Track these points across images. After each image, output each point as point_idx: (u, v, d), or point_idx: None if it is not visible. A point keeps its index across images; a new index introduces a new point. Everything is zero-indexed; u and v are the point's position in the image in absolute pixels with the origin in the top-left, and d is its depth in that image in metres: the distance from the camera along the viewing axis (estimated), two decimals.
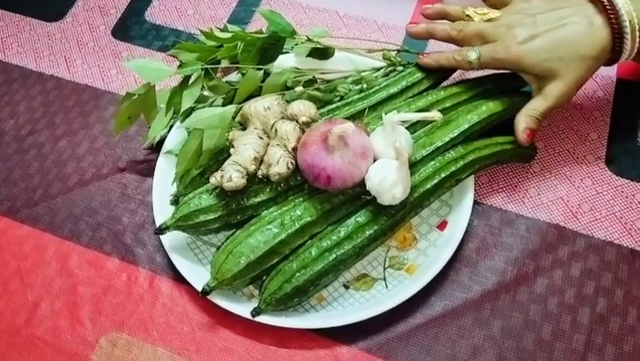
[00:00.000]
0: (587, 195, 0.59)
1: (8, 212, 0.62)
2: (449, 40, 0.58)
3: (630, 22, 0.51)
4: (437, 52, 0.58)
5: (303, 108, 0.54)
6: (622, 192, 0.59)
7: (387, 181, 0.50)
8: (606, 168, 0.60)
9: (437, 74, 0.60)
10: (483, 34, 0.55)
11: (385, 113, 0.54)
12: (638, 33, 0.51)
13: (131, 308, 0.56)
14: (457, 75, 0.63)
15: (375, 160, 0.52)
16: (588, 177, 0.60)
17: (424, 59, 0.58)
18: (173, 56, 0.67)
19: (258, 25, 0.71)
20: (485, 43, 0.55)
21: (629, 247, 0.56)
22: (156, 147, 0.62)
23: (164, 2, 0.75)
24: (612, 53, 0.53)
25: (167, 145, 0.61)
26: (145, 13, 0.75)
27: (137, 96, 0.58)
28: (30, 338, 0.55)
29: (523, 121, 0.54)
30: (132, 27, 0.74)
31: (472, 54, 0.55)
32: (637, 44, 0.52)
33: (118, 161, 0.64)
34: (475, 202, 0.58)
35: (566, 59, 0.52)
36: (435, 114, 0.52)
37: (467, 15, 0.57)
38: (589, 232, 0.57)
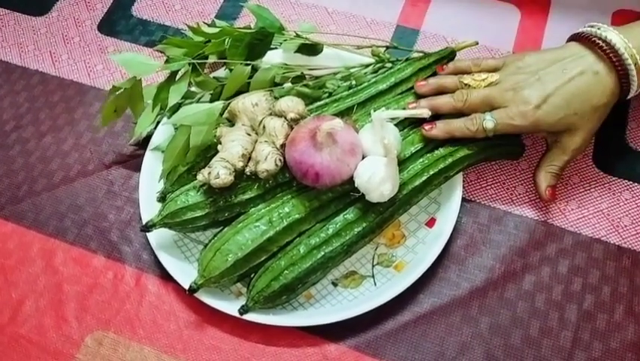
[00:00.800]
0: (575, 192, 0.59)
1: None
2: (455, 112, 0.55)
3: (632, 59, 0.51)
4: (445, 121, 0.55)
5: (292, 105, 0.54)
6: (609, 189, 0.59)
7: (376, 178, 0.50)
8: (594, 166, 0.60)
9: (426, 71, 0.60)
10: (489, 100, 0.54)
11: (374, 110, 0.53)
12: None
13: (117, 306, 0.55)
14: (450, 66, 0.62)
15: (363, 157, 0.52)
16: (576, 174, 0.60)
17: (432, 131, 0.54)
18: (160, 52, 0.67)
19: (246, 20, 0.71)
20: (493, 108, 0.54)
21: (616, 244, 0.56)
22: (143, 143, 0.62)
23: None
24: (620, 94, 0.54)
25: (154, 141, 0.61)
26: (132, 8, 0.74)
27: (123, 89, 0.58)
28: (14, 336, 0.54)
29: (545, 179, 0.55)
30: (118, 22, 0.73)
31: (489, 124, 0.53)
32: None
33: (104, 157, 0.63)
34: (464, 199, 0.58)
35: (580, 112, 0.52)
36: (423, 111, 0.51)
37: (465, 84, 0.55)
38: (576, 229, 0.57)
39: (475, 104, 0.54)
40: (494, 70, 0.56)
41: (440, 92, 0.56)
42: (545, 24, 0.70)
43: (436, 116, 0.56)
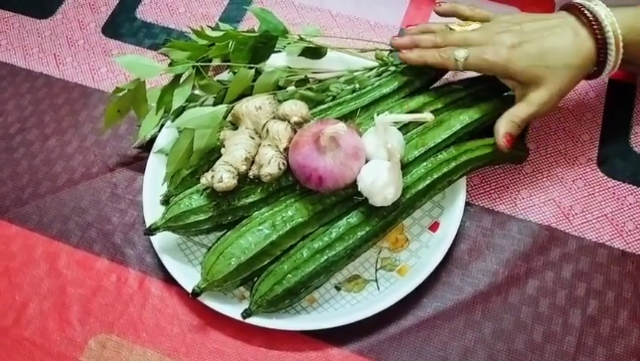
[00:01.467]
0: (579, 196, 0.59)
1: None
2: (434, 47, 0.57)
3: (614, 34, 0.52)
4: (422, 48, 0.57)
5: (295, 108, 0.54)
6: (613, 193, 0.59)
7: (379, 182, 0.50)
8: (598, 170, 0.60)
9: (429, 75, 0.60)
10: (469, 40, 0.55)
11: (377, 114, 0.53)
12: (621, 44, 0.52)
13: (121, 309, 0.55)
14: (449, 76, 0.62)
15: (367, 161, 0.52)
16: (580, 178, 0.60)
17: (408, 54, 0.57)
18: (164, 54, 0.67)
19: (250, 23, 0.71)
20: (469, 46, 0.55)
21: (621, 248, 0.56)
22: (147, 146, 0.62)
23: (155, 0, 0.75)
24: (597, 64, 0.53)
25: (158, 144, 0.61)
26: (136, 11, 0.74)
27: (126, 91, 0.58)
28: (18, 338, 0.54)
29: (504, 126, 0.54)
30: (123, 25, 0.73)
31: (460, 53, 0.54)
32: (620, 56, 0.52)
33: (108, 160, 0.63)
34: (467, 203, 0.58)
35: (552, 66, 0.52)
36: (427, 115, 0.51)
37: (451, 29, 0.57)
38: (580, 234, 0.57)
39: (454, 42, 0.55)
40: (484, 21, 0.58)
41: (425, 33, 0.59)
42: None
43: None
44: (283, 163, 0.52)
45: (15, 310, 0.56)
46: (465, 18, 0.59)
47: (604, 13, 0.52)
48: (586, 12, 0.53)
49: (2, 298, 0.56)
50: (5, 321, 0.55)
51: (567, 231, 0.57)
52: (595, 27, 0.52)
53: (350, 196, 0.53)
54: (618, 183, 0.59)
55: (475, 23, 0.57)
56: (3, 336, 0.54)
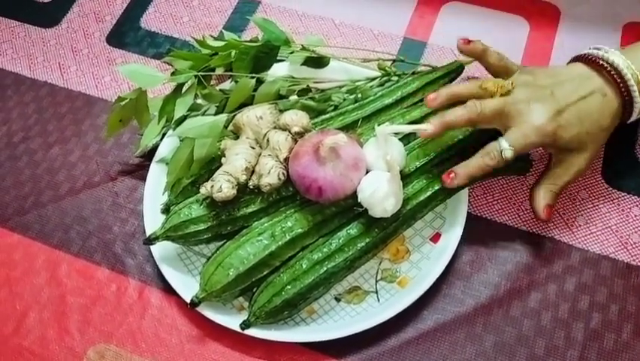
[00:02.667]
0: (583, 208, 0.58)
1: None
2: (469, 125, 0.53)
3: (637, 82, 0.51)
4: (463, 165, 0.52)
5: (296, 118, 0.54)
6: (618, 205, 0.58)
7: (379, 193, 0.49)
8: (603, 181, 0.59)
9: (433, 86, 0.60)
10: (503, 113, 0.52)
11: (379, 124, 0.53)
12: None
13: (120, 319, 0.55)
14: (458, 81, 0.62)
15: (367, 171, 0.52)
16: (584, 189, 0.59)
17: (454, 181, 0.52)
18: (168, 63, 0.67)
19: (253, 32, 0.71)
20: (506, 122, 0.52)
21: (625, 261, 0.55)
22: (149, 155, 0.62)
23: (160, 9, 0.75)
24: (622, 117, 0.54)
25: (160, 153, 0.61)
26: (140, 20, 0.74)
27: (128, 100, 0.58)
28: (17, 348, 0.54)
29: (544, 197, 0.53)
30: (127, 34, 0.73)
31: (508, 153, 0.50)
32: None
33: (110, 169, 0.63)
34: (470, 215, 0.57)
35: (591, 132, 0.52)
36: (427, 126, 0.51)
37: (483, 87, 0.53)
38: (584, 246, 0.56)
39: (488, 116, 0.52)
40: (508, 74, 0.56)
41: (454, 102, 0.54)
42: (554, 36, 0.69)
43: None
44: (283, 173, 0.51)
45: (15, 320, 0.56)
46: (488, 65, 0.57)
47: (623, 64, 0.51)
48: (605, 65, 0.52)
49: (2, 306, 0.56)
50: (5, 330, 0.55)
51: (570, 243, 0.56)
52: (621, 85, 0.52)
53: (350, 207, 0.53)
54: (623, 194, 0.58)
55: (504, 80, 0.54)
56: (2, 345, 0.55)
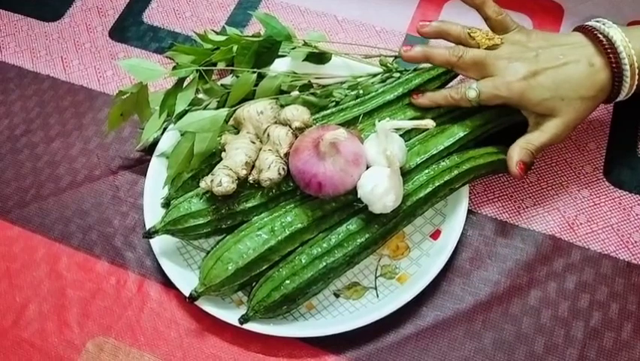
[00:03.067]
0: (584, 206, 0.58)
1: None
2: (447, 65, 0.55)
3: (630, 64, 0.51)
4: (431, 91, 0.56)
5: (297, 113, 0.54)
6: (619, 203, 0.58)
7: (379, 189, 0.49)
8: (604, 179, 0.59)
9: (435, 82, 0.60)
10: (482, 64, 0.53)
11: (379, 120, 0.53)
12: (637, 75, 0.51)
13: (119, 312, 0.55)
14: (454, 83, 0.62)
15: (368, 167, 0.52)
16: (585, 188, 0.59)
17: (419, 99, 0.56)
18: (170, 58, 0.67)
19: (255, 28, 0.71)
20: (483, 74, 0.53)
21: (626, 260, 0.55)
22: (149, 149, 0.62)
23: (162, 4, 0.75)
24: (610, 93, 0.53)
25: (161, 147, 0.61)
26: (143, 15, 0.74)
27: (129, 94, 0.58)
28: (17, 340, 0.54)
29: (517, 153, 0.53)
30: (129, 28, 0.73)
31: (472, 92, 0.53)
32: (635, 86, 0.52)
33: (111, 163, 0.63)
34: (470, 212, 0.57)
35: (567, 98, 0.52)
36: (428, 122, 0.51)
37: (471, 35, 0.54)
38: (585, 244, 0.56)
39: (467, 63, 0.54)
40: (503, 31, 0.55)
41: (441, 37, 0.57)
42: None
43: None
44: (283, 168, 0.51)
45: (15, 312, 0.56)
46: (486, 16, 0.56)
47: (619, 38, 0.51)
48: (601, 38, 0.51)
49: (2, 299, 0.56)
50: (5, 322, 0.55)
51: (571, 241, 0.56)
52: (611, 56, 0.51)
53: (350, 203, 0.52)
54: (625, 193, 0.58)
55: (494, 33, 0.55)
56: (2, 337, 0.55)
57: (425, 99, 0.56)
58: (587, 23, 0.54)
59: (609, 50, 0.51)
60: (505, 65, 0.52)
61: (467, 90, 0.53)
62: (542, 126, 0.53)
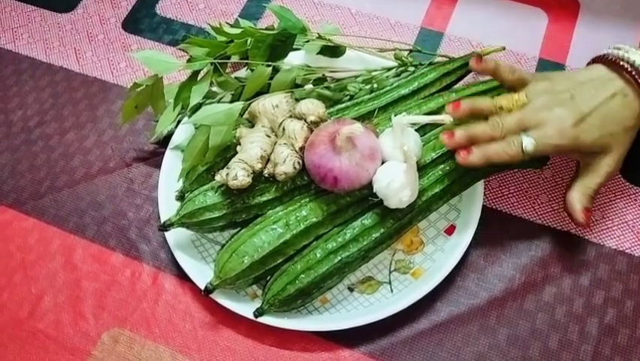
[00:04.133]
0: (600, 203, 0.58)
1: (14, 204, 0.62)
2: (492, 140, 0.52)
3: None
4: (481, 146, 0.51)
5: (312, 107, 0.54)
6: (635, 200, 0.57)
7: (395, 184, 0.49)
8: (620, 177, 0.59)
9: (450, 77, 0.59)
10: (525, 123, 0.52)
11: (395, 115, 0.53)
12: None
13: (134, 304, 0.55)
14: (469, 78, 0.61)
15: (383, 162, 0.51)
16: None
17: (470, 158, 0.51)
18: (183, 50, 0.67)
19: (269, 20, 0.71)
20: (527, 129, 0.52)
21: None
22: (164, 142, 0.62)
23: None
24: None
25: (175, 140, 0.61)
26: (156, 7, 0.74)
27: (144, 87, 0.58)
28: (32, 331, 0.55)
29: (580, 201, 0.52)
30: (143, 20, 0.73)
31: (530, 146, 0.50)
32: None
33: (125, 155, 0.64)
34: (485, 207, 0.57)
35: (614, 133, 0.52)
36: (445, 117, 0.51)
37: (499, 107, 0.53)
38: (600, 241, 0.56)
39: (511, 129, 0.52)
40: (521, 86, 0.54)
41: (474, 115, 0.54)
42: (574, 29, 0.68)
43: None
44: (298, 162, 0.51)
45: (30, 303, 0.56)
46: (502, 80, 0.55)
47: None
48: (626, 66, 0.51)
49: (18, 290, 0.57)
50: (21, 313, 0.56)
51: (586, 237, 0.56)
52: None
53: (365, 197, 0.52)
54: None
55: (518, 94, 0.53)
56: (18, 328, 0.55)
57: (476, 158, 0.51)
58: (605, 53, 0.54)
59: (637, 78, 0.51)
60: (548, 115, 0.51)
61: (524, 145, 0.51)
62: (593, 166, 0.53)
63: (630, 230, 0.56)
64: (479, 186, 0.56)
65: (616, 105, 0.51)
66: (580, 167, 0.54)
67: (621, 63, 0.52)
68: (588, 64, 0.56)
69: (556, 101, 0.52)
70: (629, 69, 0.51)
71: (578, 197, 0.53)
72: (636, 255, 0.55)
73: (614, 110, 0.51)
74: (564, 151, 0.53)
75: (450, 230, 0.56)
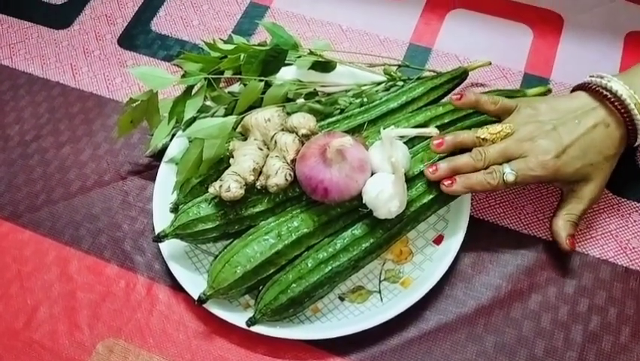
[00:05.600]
0: None
1: (10, 216, 0.63)
2: (475, 171, 0.54)
3: (637, 106, 0.53)
4: (465, 176, 0.53)
5: (303, 121, 0.55)
6: (618, 210, 0.59)
7: (384, 195, 0.51)
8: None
9: (437, 91, 0.61)
10: (507, 154, 0.53)
11: (384, 128, 0.54)
12: None
13: (129, 315, 0.56)
14: (459, 89, 0.63)
15: (373, 174, 0.53)
16: None
17: (453, 187, 0.53)
18: (178, 66, 0.69)
19: (262, 36, 0.72)
20: (510, 159, 0.53)
21: (624, 265, 0.56)
22: (158, 155, 0.63)
23: (170, 12, 0.76)
24: (628, 143, 0.55)
25: (169, 153, 0.62)
26: (151, 23, 0.76)
27: (139, 102, 0.59)
28: (28, 341, 0.56)
29: (564, 229, 0.55)
30: (138, 36, 0.75)
31: (510, 177, 0.52)
32: None
33: (120, 168, 0.65)
34: (472, 218, 0.58)
35: (595, 162, 0.54)
36: (432, 130, 0.52)
37: (482, 138, 0.54)
38: (584, 250, 0.57)
39: (493, 160, 0.54)
40: (507, 114, 0.56)
41: (457, 149, 0.55)
42: (558, 44, 0.70)
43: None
44: (290, 174, 0.53)
45: (26, 314, 0.57)
46: (484, 112, 0.57)
47: (623, 91, 0.53)
48: (610, 97, 0.53)
49: (14, 301, 0.58)
50: (16, 324, 0.56)
51: None
52: (622, 112, 0.53)
53: (355, 208, 0.54)
54: (624, 200, 0.60)
55: (500, 125, 0.55)
56: (14, 339, 0.56)
57: (459, 187, 0.53)
58: (588, 81, 0.56)
59: (620, 108, 0.53)
60: (531, 146, 0.53)
61: (505, 176, 0.52)
62: (577, 193, 0.55)
63: (614, 240, 0.57)
64: (466, 197, 0.57)
65: (598, 135, 0.53)
66: (563, 193, 0.56)
67: (604, 93, 0.54)
68: (572, 91, 0.58)
69: (539, 132, 0.53)
70: (612, 99, 0.53)
71: (562, 224, 0.55)
72: (619, 264, 0.56)
73: (596, 140, 0.53)
74: (545, 181, 0.55)
75: (438, 240, 0.57)
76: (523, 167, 0.53)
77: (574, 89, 0.58)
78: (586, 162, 0.53)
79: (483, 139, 0.54)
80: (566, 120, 0.54)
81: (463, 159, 0.54)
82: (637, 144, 0.56)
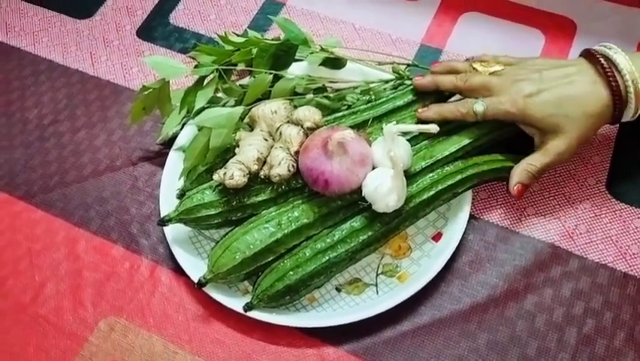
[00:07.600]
0: (585, 217, 0.59)
1: (25, 196, 0.65)
2: (455, 90, 0.58)
3: (634, 82, 0.52)
4: (439, 104, 0.58)
5: (309, 114, 0.56)
6: (620, 216, 0.59)
7: (382, 189, 0.51)
8: (606, 192, 0.60)
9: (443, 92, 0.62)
10: (488, 86, 0.55)
11: (387, 124, 0.55)
12: None
13: (131, 295, 0.58)
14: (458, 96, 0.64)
15: (374, 168, 0.54)
16: (587, 199, 0.60)
17: (425, 112, 0.57)
18: (192, 58, 0.70)
19: (276, 32, 0.74)
20: (489, 94, 0.55)
21: (623, 271, 0.56)
22: (169, 143, 0.65)
23: (189, 6, 0.78)
24: (614, 112, 0.54)
25: (179, 142, 0.64)
26: (169, 16, 0.78)
27: (152, 90, 0.61)
28: (34, 316, 0.58)
29: (518, 175, 0.55)
30: (156, 28, 0.77)
31: (479, 107, 0.54)
32: None
33: (132, 154, 0.67)
34: (472, 216, 0.59)
35: (571, 115, 0.53)
36: (431, 127, 0.53)
37: (474, 68, 0.57)
38: (583, 254, 0.57)
39: (474, 86, 0.56)
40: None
41: (451, 71, 0.59)
42: (570, 50, 0.70)
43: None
44: (293, 165, 0.54)
45: (33, 290, 0.59)
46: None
47: (622, 62, 0.52)
48: (602, 61, 0.53)
49: (23, 277, 0.60)
50: (24, 298, 0.59)
51: (570, 250, 0.57)
52: (610, 76, 0.52)
53: (355, 201, 0.55)
54: (626, 206, 0.59)
55: (497, 64, 0.57)
56: (21, 312, 0.58)
57: (431, 112, 0.57)
58: (592, 47, 0.56)
59: (608, 71, 0.53)
60: (510, 85, 0.54)
61: (474, 105, 0.55)
62: (545, 145, 0.54)
63: (613, 245, 0.57)
64: (467, 196, 0.58)
65: (581, 88, 0.53)
66: (535, 145, 0.56)
67: (598, 57, 0.54)
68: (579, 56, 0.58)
69: (524, 77, 0.55)
70: (603, 63, 0.53)
71: (519, 171, 0.55)
72: (618, 269, 0.56)
73: (578, 92, 0.53)
74: (516, 121, 0.55)
75: (437, 237, 0.58)
76: (494, 101, 0.55)
77: (579, 56, 0.57)
78: (560, 111, 0.53)
79: (474, 68, 0.57)
80: (555, 71, 0.54)
81: (447, 77, 0.58)
82: (627, 119, 0.55)
